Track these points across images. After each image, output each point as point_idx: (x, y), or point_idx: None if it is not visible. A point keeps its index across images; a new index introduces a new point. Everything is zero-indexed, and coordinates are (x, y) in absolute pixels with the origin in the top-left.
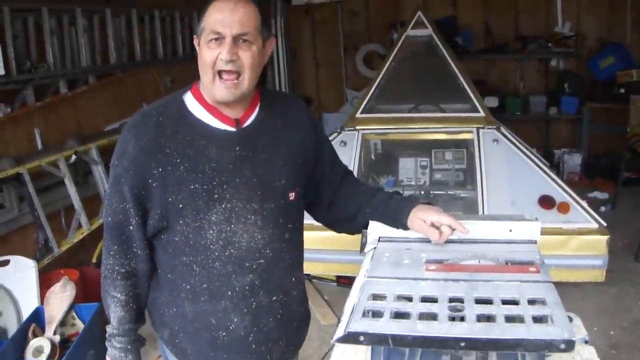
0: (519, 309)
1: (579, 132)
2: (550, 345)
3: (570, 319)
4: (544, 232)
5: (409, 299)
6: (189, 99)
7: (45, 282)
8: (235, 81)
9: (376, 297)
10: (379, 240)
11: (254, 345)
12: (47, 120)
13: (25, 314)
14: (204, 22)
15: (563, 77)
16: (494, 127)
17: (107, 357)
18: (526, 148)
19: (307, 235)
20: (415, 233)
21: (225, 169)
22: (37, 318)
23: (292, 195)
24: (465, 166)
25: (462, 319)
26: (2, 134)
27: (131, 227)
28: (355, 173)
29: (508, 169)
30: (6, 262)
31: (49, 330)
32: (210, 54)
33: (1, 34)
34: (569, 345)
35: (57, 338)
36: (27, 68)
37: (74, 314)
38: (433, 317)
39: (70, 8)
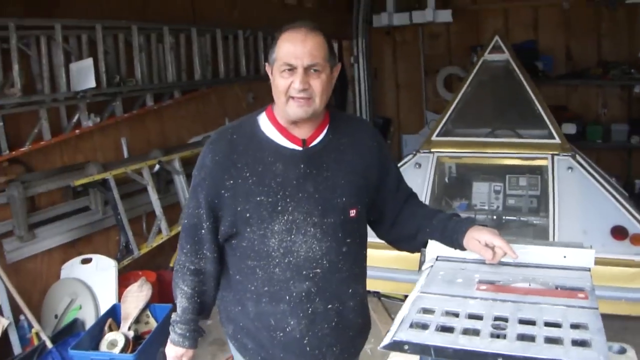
0: (560, 332)
1: None
2: None
3: (624, 350)
4: (615, 263)
5: (456, 315)
6: (262, 120)
7: (123, 281)
8: (307, 100)
9: (425, 310)
10: (436, 259)
11: (308, 348)
12: (133, 130)
13: (103, 309)
14: (275, 52)
15: None
16: (569, 154)
17: (169, 340)
18: (603, 177)
19: (378, 253)
20: (472, 254)
21: (290, 184)
22: (114, 314)
23: (352, 212)
24: (539, 193)
25: (503, 336)
26: (91, 142)
27: (203, 231)
28: (428, 195)
29: (581, 197)
30: (89, 260)
31: (124, 326)
32: (283, 83)
33: (94, 50)
34: None
35: (131, 334)
36: (117, 82)
37: (148, 312)
38: (476, 332)
39: (158, 27)
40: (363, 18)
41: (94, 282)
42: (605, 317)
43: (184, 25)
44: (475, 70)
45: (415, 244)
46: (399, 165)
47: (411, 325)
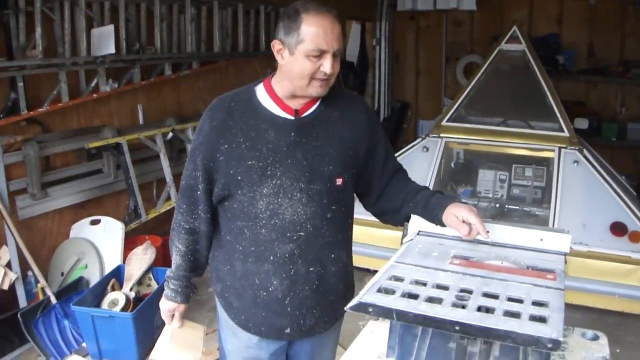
0: (520, 307)
1: None
2: (538, 342)
3: (597, 337)
4: (611, 258)
5: (424, 284)
6: (259, 90)
7: (129, 244)
8: (328, 81)
9: (396, 278)
10: (417, 234)
11: (289, 309)
12: (150, 98)
13: (108, 269)
14: (300, 34)
15: None
16: (577, 148)
17: (163, 295)
18: (610, 174)
19: (372, 232)
20: (452, 231)
21: (280, 150)
22: (118, 274)
23: (339, 181)
24: (544, 184)
25: (464, 307)
26: (108, 107)
27: (198, 192)
28: (434, 180)
29: (585, 191)
30: (97, 222)
31: (127, 286)
32: (311, 66)
33: (115, 17)
34: (556, 345)
35: (132, 294)
36: (136, 49)
37: (151, 275)
38: (439, 301)
39: None
40: (388, 1)
41: (101, 243)
42: (599, 313)
43: None
44: (490, 59)
45: (398, 218)
46: (407, 148)
47: (379, 290)
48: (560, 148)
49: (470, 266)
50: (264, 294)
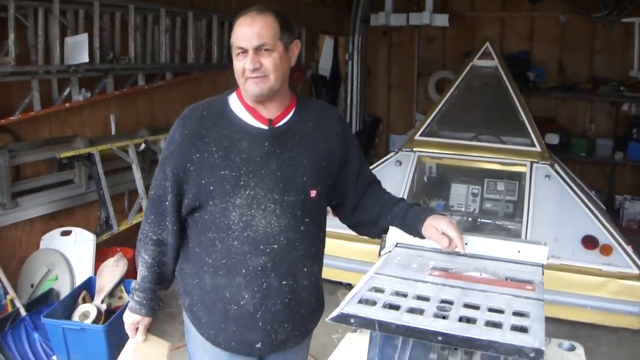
0: (501, 317)
1: None
2: (520, 351)
3: (574, 347)
4: (583, 271)
5: (405, 295)
6: (232, 99)
7: (101, 256)
8: (262, 78)
9: (376, 289)
10: (395, 246)
11: (260, 323)
12: (123, 108)
13: (79, 281)
14: (232, 37)
15: (633, 122)
16: (548, 163)
17: (127, 308)
18: (580, 188)
19: (344, 245)
20: (430, 243)
21: (253, 160)
22: (89, 286)
23: (313, 193)
24: (516, 198)
25: (446, 317)
26: (80, 116)
27: (167, 203)
28: (407, 194)
29: (556, 206)
30: (68, 233)
31: (98, 298)
32: (239, 65)
33: (89, 25)
34: (538, 354)
35: (104, 307)
36: (110, 59)
37: (122, 287)
38: (420, 312)
39: (155, 7)
40: (361, 16)
41: (72, 254)
42: (571, 324)
43: (181, 9)
44: (463, 75)
45: (375, 230)
46: (380, 162)
47: (360, 301)
48: (532, 162)
49: (450, 277)
50: (235, 308)
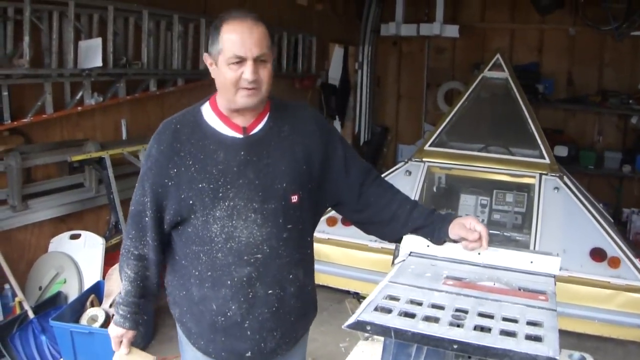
0: (515, 327)
1: None
2: None
3: (584, 358)
4: (591, 283)
5: (420, 304)
6: (205, 109)
7: (109, 260)
8: (255, 90)
9: (391, 297)
10: (409, 255)
11: (249, 332)
12: (134, 113)
13: (87, 285)
14: (220, 43)
15: None
16: (557, 175)
17: (112, 321)
18: (589, 200)
19: (352, 254)
20: (443, 252)
21: (230, 171)
22: (97, 290)
23: (294, 198)
24: (524, 210)
25: (461, 326)
26: (92, 120)
27: (147, 218)
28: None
29: (565, 218)
30: (78, 236)
31: (106, 303)
32: (233, 75)
33: (103, 30)
34: None
35: (112, 311)
36: (123, 63)
37: None
38: (436, 320)
39: (169, 14)
40: (371, 26)
41: (81, 258)
42: (578, 337)
43: (194, 15)
44: (473, 86)
45: (388, 231)
46: (390, 171)
47: (375, 309)
48: (541, 174)
49: (464, 287)
50: (222, 319)
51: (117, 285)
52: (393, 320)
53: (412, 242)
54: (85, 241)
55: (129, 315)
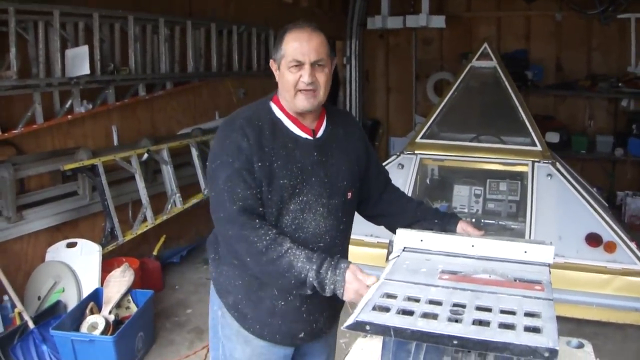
0: (513, 319)
1: None
2: (535, 352)
3: (582, 345)
4: (588, 269)
5: (417, 300)
6: (275, 109)
7: (107, 266)
8: (313, 92)
9: (388, 295)
10: (403, 250)
11: (305, 315)
12: (124, 119)
13: (86, 292)
14: (283, 50)
15: (632, 118)
16: (550, 161)
17: (342, 290)
18: (583, 186)
19: (353, 250)
20: (437, 246)
21: (306, 169)
22: (96, 298)
23: (350, 195)
24: (518, 198)
25: (460, 321)
26: (83, 128)
27: (261, 209)
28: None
29: (559, 204)
30: (74, 244)
31: (105, 309)
32: (292, 77)
33: (90, 37)
34: (553, 354)
35: (112, 317)
36: (110, 70)
37: (129, 298)
38: (434, 316)
39: (154, 18)
40: (357, 20)
41: (78, 266)
42: (577, 322)
43: (179, 18)
44: (462, 76)
45: (395, 223)
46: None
47: (374, 308)
48: (533, 162)
49: (460, 280)
50: (282, 303)
51: (115, 291)
52: (392, 319)
53: (405, 237)
54: (82, 249)
55: (333, 261)
